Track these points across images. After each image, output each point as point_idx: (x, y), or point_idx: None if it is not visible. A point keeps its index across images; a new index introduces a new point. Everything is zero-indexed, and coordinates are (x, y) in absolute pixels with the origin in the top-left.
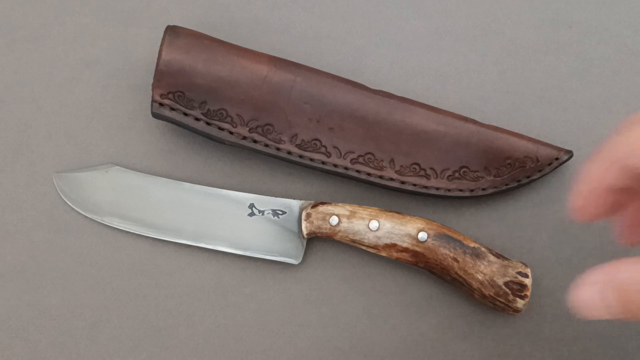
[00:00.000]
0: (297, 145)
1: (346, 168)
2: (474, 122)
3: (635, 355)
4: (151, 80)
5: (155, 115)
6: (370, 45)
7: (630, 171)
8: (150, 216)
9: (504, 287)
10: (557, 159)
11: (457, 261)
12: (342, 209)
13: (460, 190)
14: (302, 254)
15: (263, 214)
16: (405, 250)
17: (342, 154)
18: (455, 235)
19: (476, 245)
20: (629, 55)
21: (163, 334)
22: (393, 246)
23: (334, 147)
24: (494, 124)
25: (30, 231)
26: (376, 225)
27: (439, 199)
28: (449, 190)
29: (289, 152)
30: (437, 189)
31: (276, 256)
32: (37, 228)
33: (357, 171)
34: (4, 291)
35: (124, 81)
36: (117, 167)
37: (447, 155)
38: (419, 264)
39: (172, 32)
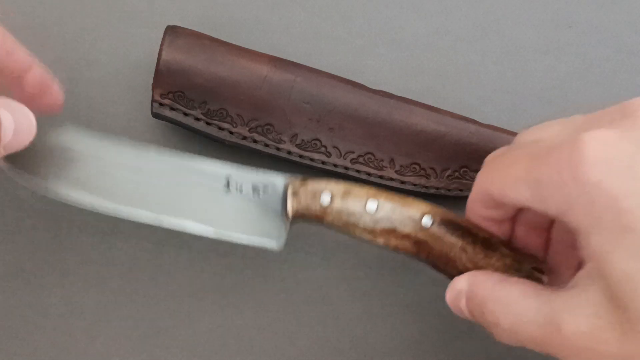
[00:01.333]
0: (297, 145)
1: (346, 168)
2: (474, 122)
3: None
4: (151, 80)
5: (156, 115)
6: (370, 45)
7: (495, 201)
8: (104, 185)
9: None
10: None
11: (466, 252)
12: (336, 186)
13: (460, 190)
14: (284, 237)
15: (241, 190)
16: (407, 236)
17: (342, 153)
18: (464, 223)
19: (487, 235)
20: (629, 55)
21: (163, 334)
22: (392, 231)
23: (334, 147)
24: (494, 124)
25: (30, 231)
26: (374, 206)
27: (439, 199)
28: (449, 190)
29: (289, 152)
30: (437, 189)
31: (252, 238)
32: (37, 228)
33: (357, 171)
34: (4, 291)
35: (124, 81)
36: (70, 125)
37: (447, 155)
38: (420, 254)
39: (172, 32)
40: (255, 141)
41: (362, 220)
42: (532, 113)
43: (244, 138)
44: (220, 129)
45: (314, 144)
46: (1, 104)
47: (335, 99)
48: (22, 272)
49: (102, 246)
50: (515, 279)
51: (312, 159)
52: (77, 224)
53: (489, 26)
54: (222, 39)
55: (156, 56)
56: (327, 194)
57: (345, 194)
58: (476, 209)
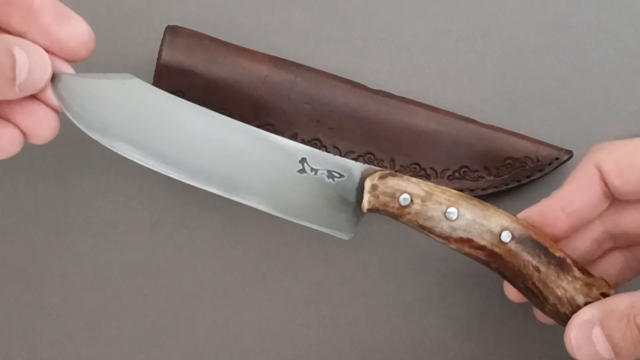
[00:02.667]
0: None
1: None
2: (474, 122)
3: None
4: (151, 81)
5: None
6: (370, 46)
7: (599, 182)
8: (172, 150)
9: (583, 307)
10: (557, 159)
11: (539, 271)
12: (417, 187)
13: (460, 190)
14: (355, 229)
15: (316, 173)
16: (482, 248)
17: (342, 153)
18: (542, 241)
19: (562, 256)
20: (629, 55)
21: (163, 334)
22: (468, 241)
23: (334, 147)
24: (494, 124)
25: (30, 231)
26: (454, 214)
27: None
28: None
29: None
30: None
31: (324, 227)
32: (37, 228)
33: None
34: (4, 291)
35: None
36: (138, 79)
37: (447, 155)
38: (491, 264)
39: (172, 32)
40: None
41: (440, 226)
42: (532, 113)
43: None
44: None
45: (314, 144)
46: (15, 43)
47: (335, 99)
48: (22, 272)
49: (102, 246)
50: None
51: None
52: (77, 224)
53: (489, 26)
54: (222, 39)
55: (156, 56)
56: (407, 195)
57: (426, 198)
58: (569, 195)
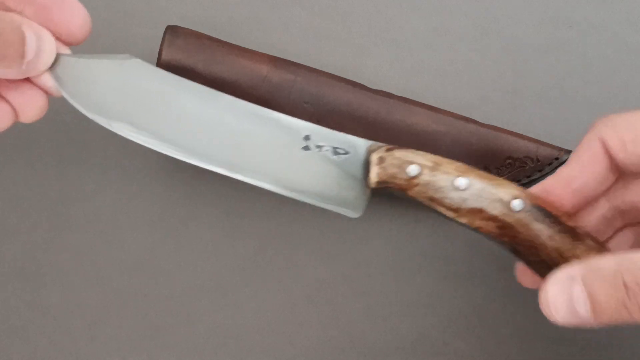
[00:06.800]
0: None
1: None
2: (474, 121)
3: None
4: None
5: None
6: (370, 45)
7: (604, 157)
8: (173, 130)
9: None
10: (557, 158)
11: (553, 240)
12: (424, 158)
13: None
14: (364, 205)
15: (321, 150)
16: (493, 218)
17: None
18: (553, 210)
19: (574, 224)
20: (629, 54)
21: (163, 334)
22: (479, 212)
23: None
24: (494, 122)
25: (30, 229)
26: (464, 184)
27: None
28: None
29: None
30: None
31: (332, 204)
32: (37, 226)
33: None
34: (4, 291)
35: None
36: (138, 59)
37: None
38: (503, 237)
39: (172, 32)
40: None
41: (449, 197)
42: (532, 113)
43: None
44: None
45: None
46: (24, 23)
47: (335, 98)
48: (22, 270)
49: (102, 244)
50: None
51: None
52: (77, 222)
53: (489, 26)
54: (222, 38)
55: (156, 56)
56: (416, 166)
57: (434, 168)
58: (573, 171)
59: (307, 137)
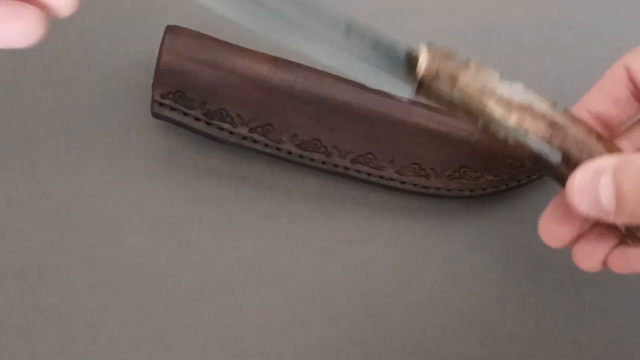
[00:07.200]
0: (297, 145)
1: (346, 168)
2: None
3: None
4: (151, 80)
5: (156, 115)
6: None
7: (628, 85)
8: None
9: None
10: None
11: (603, 139)
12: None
13: (460, 190)
14: (413, 91)
15: (363, 39)
16: (542, 116)
17: (342, 153)
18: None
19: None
20: None
21: (163, 334)
22: (528, 108)
23: (334, 147)
24: None
25: (30, 230)
26: (508, 81)
27: (439, 199)
28: (449, 190)
29: (289, 152)
30: (437, 188)
31: (382, 82)
32: (37, 228)
33: (357, 171)
34: (4, 291)
35: (124, 81)
36: None
37: (447, 155)
38: (553, 140)
39: (172, 32)
40: (255, 141)
41: (500, 89)
42: None
43: (244, 138)
44: (220, 129)
45: (314, 144)
46: None
47: (335, 98)
48: (22, 272)
49: (103, 246)
50: None
51: (312, 159)
52: (77, 223)
53: (489, 26)
54: (222, 39)
55: (156, 56)
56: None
57: (477, 68)
58: (594, 97)
59: (348, 26)
